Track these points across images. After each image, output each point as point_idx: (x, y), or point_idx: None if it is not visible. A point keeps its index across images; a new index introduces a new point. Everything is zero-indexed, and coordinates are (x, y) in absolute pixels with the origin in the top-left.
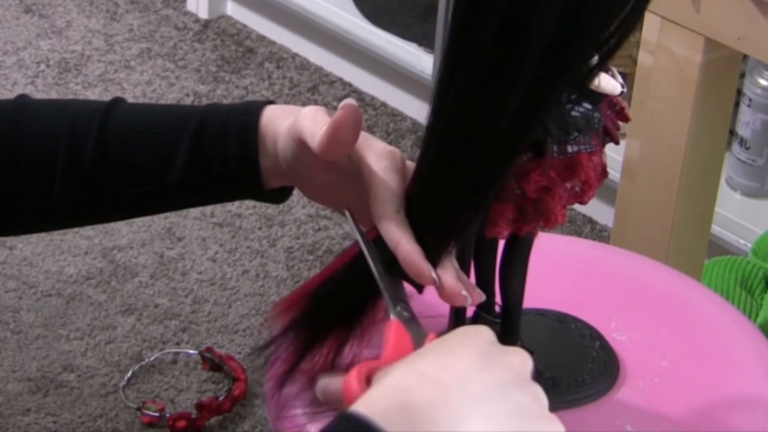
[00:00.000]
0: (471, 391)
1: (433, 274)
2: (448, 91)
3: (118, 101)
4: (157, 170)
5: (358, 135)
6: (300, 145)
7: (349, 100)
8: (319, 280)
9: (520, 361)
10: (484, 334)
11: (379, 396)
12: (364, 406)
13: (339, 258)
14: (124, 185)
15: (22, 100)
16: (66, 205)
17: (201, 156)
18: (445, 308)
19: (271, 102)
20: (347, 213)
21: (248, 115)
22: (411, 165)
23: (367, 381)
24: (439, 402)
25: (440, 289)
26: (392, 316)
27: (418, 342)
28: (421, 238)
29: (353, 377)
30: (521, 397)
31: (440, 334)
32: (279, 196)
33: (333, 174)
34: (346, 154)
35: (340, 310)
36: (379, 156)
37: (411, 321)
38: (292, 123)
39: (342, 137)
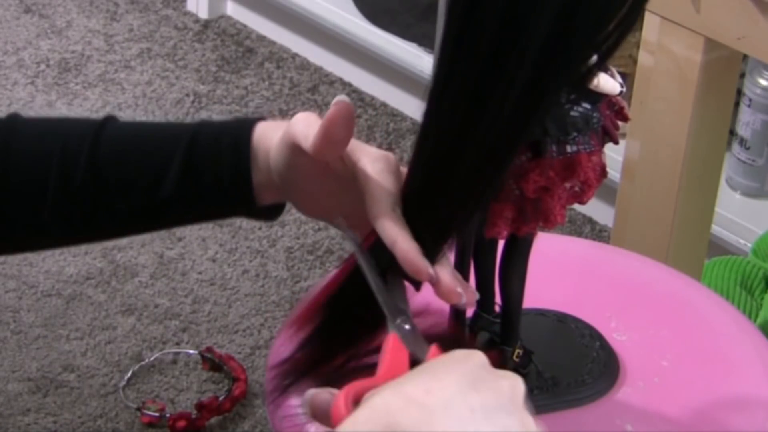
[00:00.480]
0: (456, 414)
1: (431, 271)
2: (445, 90)
3: (110, 118)
4: (149, 186)
5: (351, 132)
6: (294, 150)
7: (341, 97)
8: (328, 291)
9: (510, 385)
10: (475, 357)
11: (364, 418)
12: (349, 427)
13: (345, 266)
14: (116, 201)
15: (14, 118)
16: (59, 223)
17: (193, 171)
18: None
19: (262, 118)
20: (340, 221)
21: (240, 129)
22: (406, 169)
23: (357, 401)
24: (423, 425)
25: (437, 285)
26: (390, 330)
27: (419, 356)
28: (417, 237)
29: (341, 398)
30: (509, 421)
31: (441, 339)
32: (271, 213)
33: (327, 181)
34: (340, 153)
35: (352, 318)
36: (373, 159)
37: (411, 334)
38: (285, 130)
39: (335, 135)
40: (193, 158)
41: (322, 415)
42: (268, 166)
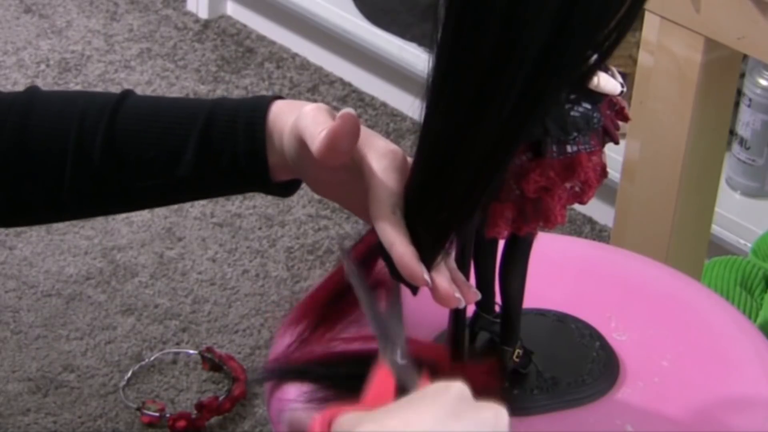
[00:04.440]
0: None
1: (426, 276)
2: (444, 90)
3: (127, 94)
4: (166, 165)
5: (355, 143)
6: (302, 143)
7: (347, 110)
8: (324, 291)
9: (493, 416)
10: (455, 390)
11: None
12: None
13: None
14: (133, 179)
15: (33, 93)
16: (76, 198)
17: (210, 152)
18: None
19: (279, 97)
20: (344, 256)
21: (256, 110)
22: None
23: (330, 425)
24: None
25: (433, 291)
26: (382, 358)
27: (409, 387)
28: (416, 238)
29: (317, 423)
30: None
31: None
32: (287, 189)
33: (337, 172)
34: (344, 160)
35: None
36: (379, 155)
37: (403, 367)
38: (294, 122)
39: (339, 146)
40: (209, 140)
41: None
42: (282, 148)
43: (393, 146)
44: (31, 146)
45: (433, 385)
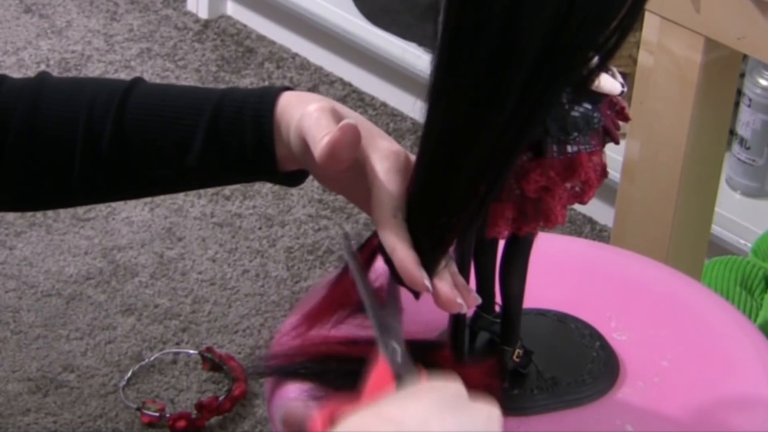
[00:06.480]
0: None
1: (427, 282)
2: (445, 92)
3: (136, 82)
4: (174, 154)
5: (355, 152)
6: (305, 142)
7: (347, 121)
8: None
9: (486, 416)
10: (453, 387)
11: None
12: None
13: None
14: (142, 168)
15: (43, 79)
16: (86, 184)
17: (217, 142)
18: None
19: (288, 87)
20: (345, 241)
21: (263, 102)
22: None
23: (333, 422)
24: None
25: (435, 296)
26: (381, 353)
27: (408, 381)
28: (418, 242)
29: (318, 418)
30: None
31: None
32: (296, 179)
33: (342, 171)
34: (344, 167)
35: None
36: (382, 157)
37: (401, 358)
38: (298, 121)
39: (339, 155)
40: (217, 130)
41: (297, 428)
42: (288, 141)
43: (396, 147)
44: (40, 131)
45: (431, 381)
